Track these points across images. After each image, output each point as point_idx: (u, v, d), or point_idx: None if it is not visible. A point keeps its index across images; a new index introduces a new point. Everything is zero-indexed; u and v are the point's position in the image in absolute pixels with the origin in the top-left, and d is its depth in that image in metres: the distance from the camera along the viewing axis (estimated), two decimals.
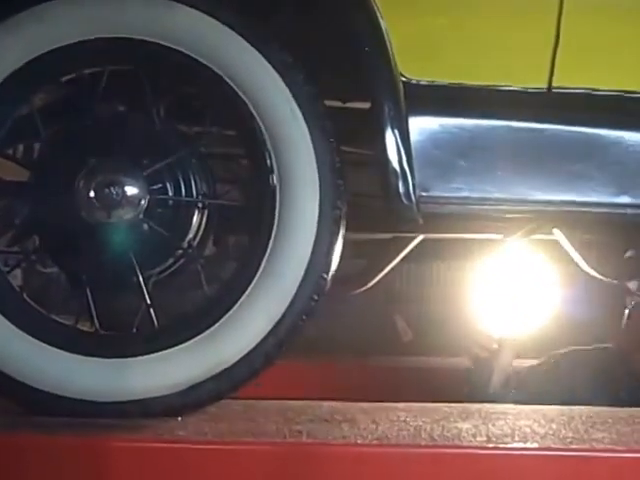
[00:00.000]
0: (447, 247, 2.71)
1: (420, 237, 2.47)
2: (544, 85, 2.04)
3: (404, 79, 1.97)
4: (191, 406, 1.93)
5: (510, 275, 3.02)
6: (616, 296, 2.88)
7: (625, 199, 2.04)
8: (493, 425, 1.98)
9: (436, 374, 3.13)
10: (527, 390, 2.74)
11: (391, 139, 1.94)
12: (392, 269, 2.60)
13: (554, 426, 2.00)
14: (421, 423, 1.97)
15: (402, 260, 2.57)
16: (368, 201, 2.12)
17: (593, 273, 2.59)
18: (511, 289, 3.03)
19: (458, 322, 3.21)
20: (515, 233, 2.47)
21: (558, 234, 2.56)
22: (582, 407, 2.24)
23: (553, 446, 1.82)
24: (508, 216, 2.18)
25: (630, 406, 2.37)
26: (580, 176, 2.04)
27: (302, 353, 2.85)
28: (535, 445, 1.83)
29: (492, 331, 3.01)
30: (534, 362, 2.90)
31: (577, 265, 2.58)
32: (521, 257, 2.95)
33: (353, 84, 2.01)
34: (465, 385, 2.82)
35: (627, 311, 2.82)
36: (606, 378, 2.78)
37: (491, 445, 1.81)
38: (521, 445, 1.83)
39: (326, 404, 2.17)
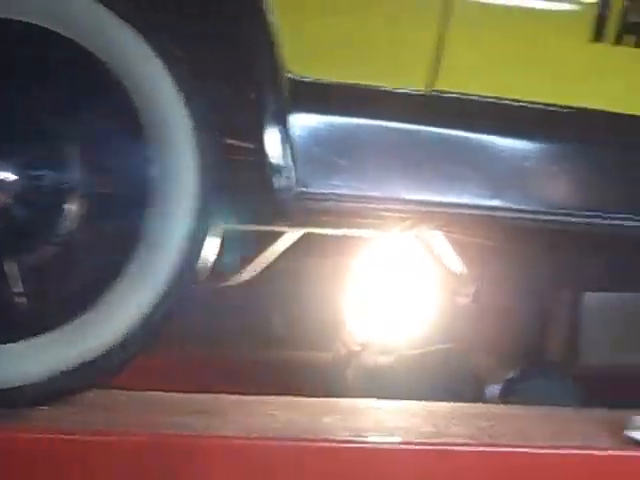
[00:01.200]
0: (327, 243, 2.83)
1: (300, 232, 2.59)
2: (424, 88, 2.16)
3: (290, 75, 2.05)
4: (57, 395, 1.98)
5: (386, 273, 3.17)
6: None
7: (496, 202, 2.20)
8: (357, 420, 2.10)
9: (308, 369, 3.25)
10: (378, 387, 2.89)
11: (272, 134, 2.03)
12: (271, 264, 2.71)
13: (416, 421, 2.13)
14: (290, 417, 2.07)
15: (282, 255, 2.69)
16: (248, 195, 2.22)
17: (459, 274, 2.78)
18: (387, 287, 3.18)
19: (331, 318, 3.34)
20: (394, 231, 2.61)
21: (434, 234, 2.73)
22: (443, 403, 2.38)
23: (415, 440, 1.96)
24: (385, 214, 2.31)
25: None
26: (454, 178, 2.17)
27: (174, 345, 2.94)
28: (398, 439, 1.97)
29: (358, 331, 3.15)
30: (387, 360, 3.07)
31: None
32: (400, 255, 3.09)
33: (239, 79, 2.11)
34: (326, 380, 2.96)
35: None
36: (449, 378, 2.97)
37: (356, 439, 1.92)
38: (385, 439, 1.96)
39: (197, 396, 2.23)
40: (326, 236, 2.66)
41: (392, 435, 1.99)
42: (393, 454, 1.93)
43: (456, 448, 1.95)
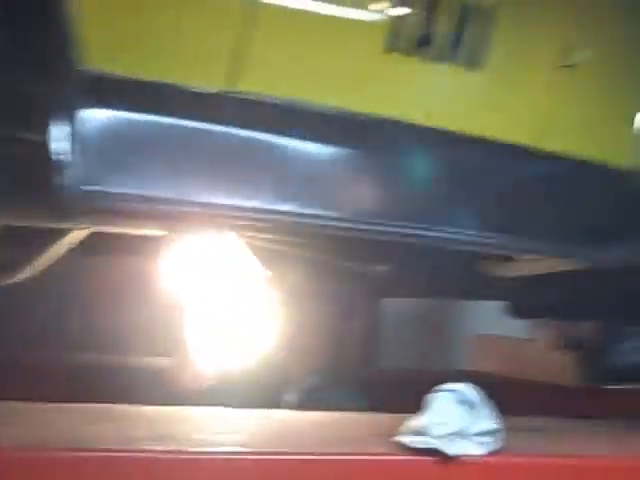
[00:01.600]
0: (119, 242, 2.77)
1: (87, 230, 2.52)
2: (224, 88, 2.15)
3: (81, 69, 1.99)
4: None
5: (187, 275, 3.14)
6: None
7: (287, 207, 2.20)
8: (135, 427, 2.08)
9: (102, 372, 3.20)
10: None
11: (58, 129, 1.97)
12: (61, 261, 2.64)
13: (189, 427, 2.12)
14: (68, 425, 2.04)
15: (71, 252, 2.62)
16: (32, 191, 2.15)
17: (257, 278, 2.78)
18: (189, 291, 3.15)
19: (125, 320, 3.30)
20: (186, 232, 2.58)
21: (231, 237, 2.71)
22: (239, 410, 2.40)
23: (184, 449, 1.94)
24: (174, 216, 2.27)
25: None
26: (246, 181, 2.15)
27: None
28: (171, 447, 1.95)
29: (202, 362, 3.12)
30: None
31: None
32: (197, 256, 3.07)
33: (28, 70, 2.03)
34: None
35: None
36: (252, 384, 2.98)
37: (129, 447, 1.91)
38: (156, 447, 1.93)
39: None
40: (118, 235, 2.60)
41: (171, 444, 1.97)
42: (166, 462, 1.91)
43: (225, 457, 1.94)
